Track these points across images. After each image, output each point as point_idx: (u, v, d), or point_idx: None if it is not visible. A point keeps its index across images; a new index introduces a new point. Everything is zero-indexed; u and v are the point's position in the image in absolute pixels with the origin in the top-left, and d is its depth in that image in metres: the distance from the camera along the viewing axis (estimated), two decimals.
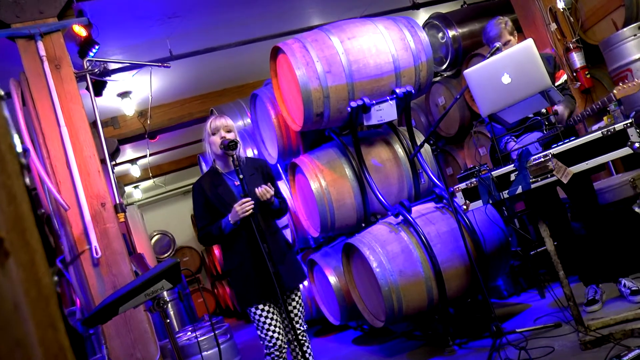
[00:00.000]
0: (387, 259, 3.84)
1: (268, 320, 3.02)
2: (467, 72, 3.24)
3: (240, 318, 11.02)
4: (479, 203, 3.17)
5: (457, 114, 5.97)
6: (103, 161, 4.07)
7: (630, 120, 2.76)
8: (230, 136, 3.12)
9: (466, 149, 6.20)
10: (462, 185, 3.22)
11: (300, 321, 3.10)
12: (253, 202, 2.95)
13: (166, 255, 12.38)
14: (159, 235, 12.44)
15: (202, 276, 12.79)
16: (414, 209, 4.14)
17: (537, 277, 4.47)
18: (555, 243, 3.49)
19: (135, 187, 11.55)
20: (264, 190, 2.99)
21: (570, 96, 3.52)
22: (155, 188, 12.42)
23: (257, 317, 3.04)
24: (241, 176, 3.05)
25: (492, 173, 3.09)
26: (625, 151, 2.78)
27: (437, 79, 6.22)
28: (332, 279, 4.86)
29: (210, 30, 5.70)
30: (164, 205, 13.07)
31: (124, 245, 3.71)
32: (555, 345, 3.21)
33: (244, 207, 2.92)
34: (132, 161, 9.55)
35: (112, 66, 5.07)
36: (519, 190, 3.03)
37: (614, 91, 3.20)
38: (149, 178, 10.69)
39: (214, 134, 3.11)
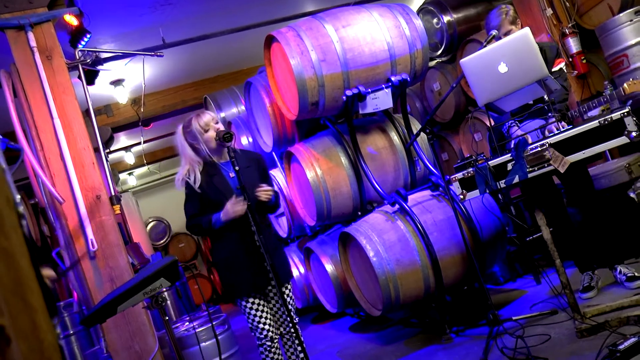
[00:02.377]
0: (384, 248, 3.85)
1: (259, 313, 3.04)
2: (463, 61, 3.22)
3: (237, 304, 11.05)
4: (476, 193, 3.17)
5: (452, 99, 5.95)
6: (97, 150, 4.03)
7: (627, 110, 2.75)
8: (220, 127, 3.10)
9: (462, 134, 6.18)
10: (459, 175, 3.21)
11: (292, 314, 3.12)
12: (247, 202, 2.92)
13: (162, 241, 12.36)
14: (154, 222, 12.41)
15: (198, 262, 12.80)
16: (410, 197, 4.14)
17: (533, 262, 4.50)
18: (551, 229, 3.50)
19: (130, 174, 11.50)
20: (264, 192, 2.99)
21: (563, 87, 3.50)
22: (149, 174, 12.38)
23: (247, 309, 3.05)
24: (237, 168, 3.03)
25: (489, 163, 3.09)
26: (622, 140, 2.78)
27: (433, 63, 6.19)
28: (329, 267, 4.87)
29: (202, 17, 5.63)
30: (159, 191, 13.02)
31: (120, 237, 3.69)
32: (551, 333, 3.24)
33: (235, 208, 2.91)
34: (126, 148, 9.50)
35: (105, 55, 5.00)
36: (516, 179, 3.03)
37: (624, 86, 3.19)
38: (143, 165, 10.64)
39: (206, 131, 3.06)
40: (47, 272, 1.93)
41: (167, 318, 2.22)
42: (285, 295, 3.13)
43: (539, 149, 2.92)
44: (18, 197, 0.53)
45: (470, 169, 3.16)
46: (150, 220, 12.35)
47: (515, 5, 5.18)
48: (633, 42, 4.37)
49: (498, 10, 3.65)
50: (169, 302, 5.37)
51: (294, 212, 5.30)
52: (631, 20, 4.36)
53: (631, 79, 3.37)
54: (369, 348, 4.41)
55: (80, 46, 4.42)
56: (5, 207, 0.46)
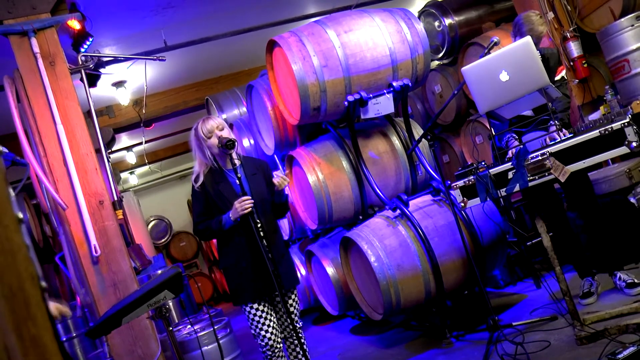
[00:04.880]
0: (385, 253, 3.87)
1: (262, 320, 3.06)
2: (464, 69, 3.23)
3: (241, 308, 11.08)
4: (477, 201, 3.19)
5: (453, 102, 5.95)
6: (98, 151, 4.05)
7: (627, 120, 2.76)
8: (225, 134, 3.11)
9: (462, 136, 6.20)
10: (460, 183, 3.23)
11: (296, 319, 3.14)
12: (252, 200, 2.96)
13: (163, 240, 12.38)
14: (155, 221, 12.43)
15: (200, 261, 12.82)
16: (411, 202, 4.15)
17: (532, 266, 4.52)
18: (551, 234, 3.52)
19: (131, 172, 11.53)
20: (282, 179, 3.07)
21: (565, 95, 3.52)
22: (151, 173, 12.40)
23: (251, 315, 3.08)
24: (239, 175, 3.04)
25: (490, 171, 3.10)
26: (622, 150, 2.80)
27: (434, 65, 6.19)
28: (330, 270, 4.90)
29: (204, 20, 5.64)
30: (160, 190, 13.05)
31: (123, 242, 3.71)
32: (551, 340, 3.26)
33: (243, 204, 2.94)
34: (128, 148, 9.52)
35: (107, 59, 5.02)
36: (517, 188, 3.05)
37: (632, 105, 3.20)
38: (144, 164, 10.67)
39: (209, 137, 3.08)
40: (64, 309, 1.93)
41: (171, 329, 2.24)
42: (290, 300, 3.15)
43: (540, 158, 2.94)
44: (40, 271, 0.55)
45: (471, 177, 3.18)
46: (152, 219, 12.37)
47: (517, 9, 5.18)
48: (634, 47, 4.36)
49: (536, 19, 3.57)
50: (171, 303, 5.40)
51: (295, 214, 5.32)
52: (632, 26, 4.35)
53: None
54: (370, 351, 4.44)
55: (82, 50, 4.44)
56: (31, 288, 0.48)
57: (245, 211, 2.94)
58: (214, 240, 11.04)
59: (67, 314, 1.93)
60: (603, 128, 2.81)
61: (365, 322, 5.35)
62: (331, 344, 5.10)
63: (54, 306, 1.87)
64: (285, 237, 5.85)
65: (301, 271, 5.78)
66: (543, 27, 3.55)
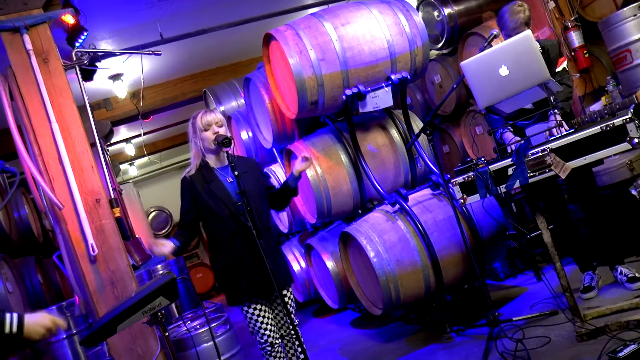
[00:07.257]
0: (385, 248, 3.84)
1: (260, 319, 3.06)
2: (464, 63, 3.18)
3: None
4: (476, 197, 3.16)
5: (453, 92, 5.89)
6: (93, 145, 4.00)
7: (629, 116, 2.72)
8: (222, 131, 3.09)
9: (462, 127, 6.14)
10: (459, 179, 3.19)
11: (293, 317, 3.12)
12: (171, 246, 3.02)
13: (164, 231, 12.37)
14: (155, 212, 12.42)
15: (200, 251, 12.82)
16: (410, 196, 4.12)
17: (533, 259, 4.49)
18: (552, 226, 3.49)
19: (131, 164, 11.49)
20: (309, 161, 3.20)
21: (567, 85, 3.47)
22: (150, 164, 12.36)
23: (249, 315, 3.07)
24: (236, 173, 2.99)
25: (490, 167, 3.06)
26: (624, 146, 2.75)
27: (433, 55, 6.12)
28: (330, 264, 4.88)
29: (199, 12, 5.57)
30: (160, 180, 13.02)
31: (121, 240, 3.68)
32: (551, 335, 3.24)
33: (160, 249, 2.99)
34: (127, 140, 9.48)
35: (102, 53, 4.95)
36: (517, 184, 3.01)
37: (636, 95, 3.15)
38: (143, 155, 10.63)
39: (205, 129, 3.06)
40: (60, 322, 1.90)
41: (167, 334, 2.22)
42: (286, 299, 3.13)
43: (540, 154, 2.90)
44: None
45: (471, 173, 3.14)
46: (152, 210, 12.35)
47: None
48: (637, 37, 4.31)
49: (514, 8, 3.52)
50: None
51: (295, 207, 5.29)
52: (635, 15, 4.29)
53: None
54: (370, 345, 4.43)
55: (77, 44, 4.39)
56: None
57: (163, 256, 2.98)
58: None
59: (62, 326, 1.90)
60: (604, 124, 2.76)
61: (366, 314, 5.34)
62: (331, 337, 5.09)
63: (48, 319, 1.83)
64: (285, 230, 5.83)
65: (301, 263, 5.78)
66: (520, 15, 3.46)
